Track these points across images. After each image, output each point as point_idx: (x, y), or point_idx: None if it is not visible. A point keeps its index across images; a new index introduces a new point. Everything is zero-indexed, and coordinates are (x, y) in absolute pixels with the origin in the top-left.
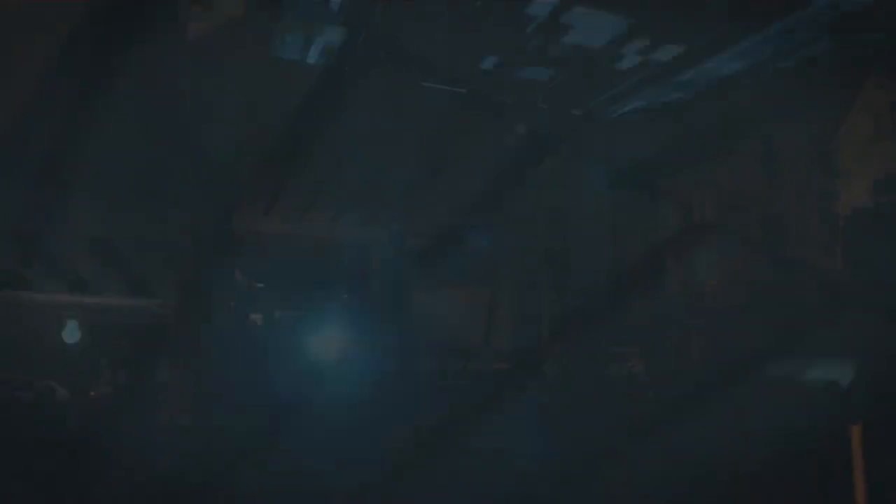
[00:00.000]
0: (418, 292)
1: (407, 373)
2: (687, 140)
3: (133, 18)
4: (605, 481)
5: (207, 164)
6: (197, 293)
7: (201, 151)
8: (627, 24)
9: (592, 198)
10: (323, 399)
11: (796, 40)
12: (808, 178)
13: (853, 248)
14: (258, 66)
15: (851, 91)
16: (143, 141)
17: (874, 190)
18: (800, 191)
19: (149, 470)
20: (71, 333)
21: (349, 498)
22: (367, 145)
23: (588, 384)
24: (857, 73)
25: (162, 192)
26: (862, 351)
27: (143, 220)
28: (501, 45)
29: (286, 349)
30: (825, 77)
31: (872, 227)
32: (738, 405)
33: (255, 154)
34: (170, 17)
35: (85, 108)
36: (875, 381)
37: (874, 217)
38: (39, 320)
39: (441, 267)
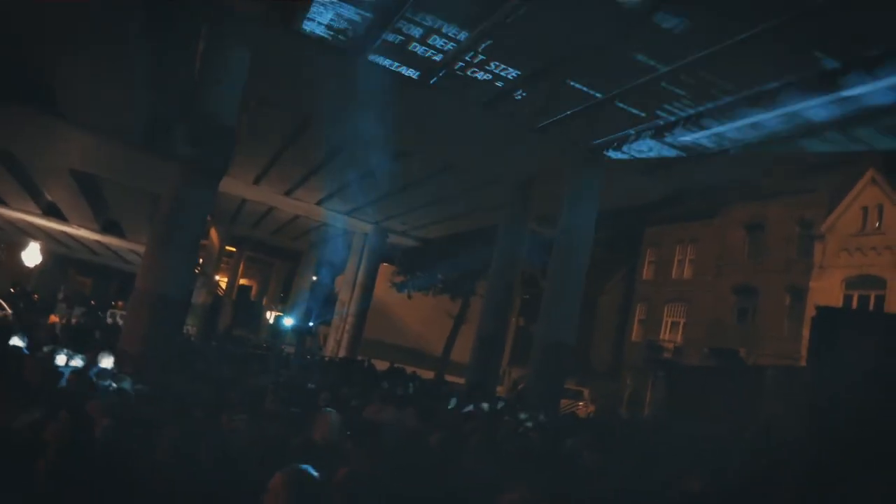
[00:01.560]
0: (389, 290)
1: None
2: (679, 195)
3: None
4: None
5: (206, 124)
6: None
7: (203, 110)
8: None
9: (579, 232)
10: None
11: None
12: (789, 260)
13: (817, 347)
14: (277, 36)
15: (849, 183)
16: (148, 89)
17: (846, 286)
18: (778, 269)
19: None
20: (32, 255)
21: None
22: (367, 141)
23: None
24: (859, 167)
25: (155, 142)
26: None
27: (130, 164)
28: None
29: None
30: (827, 163)
31: (838, 328)
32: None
33: (256, 123)
34: None
35: (95, 45)
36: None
37: (841, 318)
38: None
39: (416, 271)
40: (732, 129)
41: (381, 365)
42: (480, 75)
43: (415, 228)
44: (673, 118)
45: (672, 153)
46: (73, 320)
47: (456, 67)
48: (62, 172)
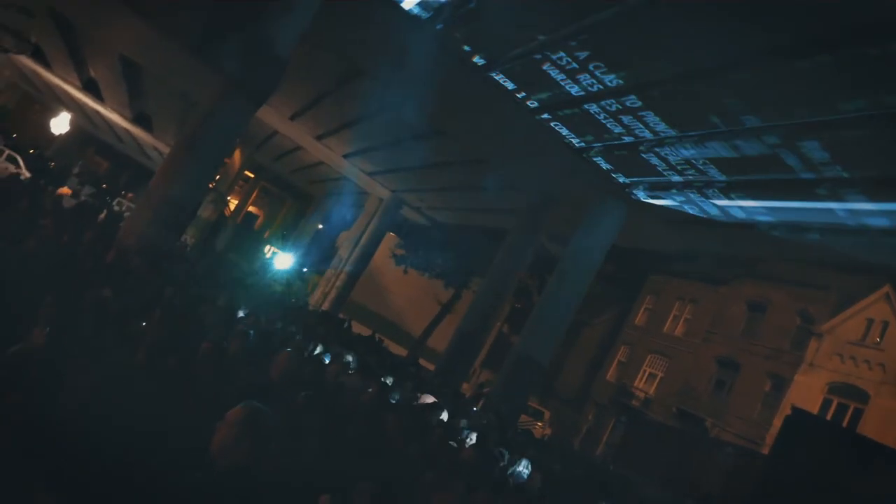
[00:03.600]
0: (387, 260)
1: None
2: (693, 254)
3: None
4: None
5: (261, 49)
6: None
7: (262, 35)
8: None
9: (586, 260)
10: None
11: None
12: (780, 348)
13: (782, 447)
14: None
15: (862, 291)
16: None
17: (828, 390)
18: (767, 354)
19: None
20: (60, 124)
21: None
22: (410, 110)
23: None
24: (877, 278)
25: (207, 51)
26: None
27: (177, 65)
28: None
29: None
30: (845, 265)
31: (809, 436)
32: None
33: (308, 61)
34: None
35: None
36: None
37: (814, 427)
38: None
39: (420, 249)
40: (767, 206)
41: (357, 328)
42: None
43: (430, 208)
44: (712, 179)
45: (699, 212)
46: (82, 197)
47: (521, 64)
48: (112, 54)
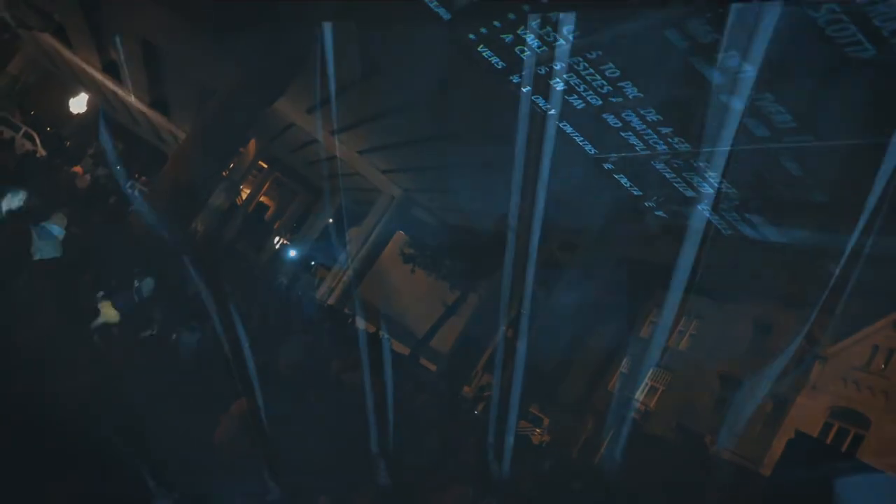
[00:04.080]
0: (395, 258)
1: None
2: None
3: None
4: None
5: (282, 43)
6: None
7: (283, 30)
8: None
9: (589, 264)
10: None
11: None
12: (784, 368)
13: (784, 471)
14: None
15: (869, 317)
16: None
17: (830, 414)
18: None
19: None
20: (79, 103)
21: None
22: (425, 110)
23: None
24: (886, 303)
25: (227, 41)
26: None
27: (196, 51)
28: None
29: None
30: (857, 293)
31: (810, 460)
32: None
33: (326, 59)
34: None
35: None
36: None
37: (817, 452)
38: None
39: (428, 249)
40: (779, 226)
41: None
42: (560, 86)
43: (441, 209)
44: (725, 195)
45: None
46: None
47: (540, 70)
48: (134, 37)
